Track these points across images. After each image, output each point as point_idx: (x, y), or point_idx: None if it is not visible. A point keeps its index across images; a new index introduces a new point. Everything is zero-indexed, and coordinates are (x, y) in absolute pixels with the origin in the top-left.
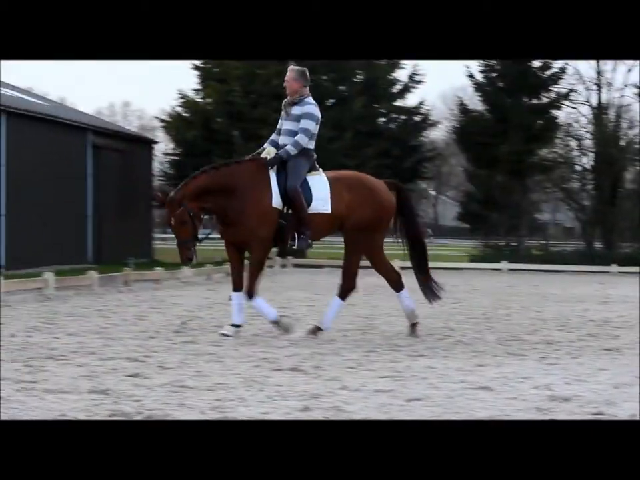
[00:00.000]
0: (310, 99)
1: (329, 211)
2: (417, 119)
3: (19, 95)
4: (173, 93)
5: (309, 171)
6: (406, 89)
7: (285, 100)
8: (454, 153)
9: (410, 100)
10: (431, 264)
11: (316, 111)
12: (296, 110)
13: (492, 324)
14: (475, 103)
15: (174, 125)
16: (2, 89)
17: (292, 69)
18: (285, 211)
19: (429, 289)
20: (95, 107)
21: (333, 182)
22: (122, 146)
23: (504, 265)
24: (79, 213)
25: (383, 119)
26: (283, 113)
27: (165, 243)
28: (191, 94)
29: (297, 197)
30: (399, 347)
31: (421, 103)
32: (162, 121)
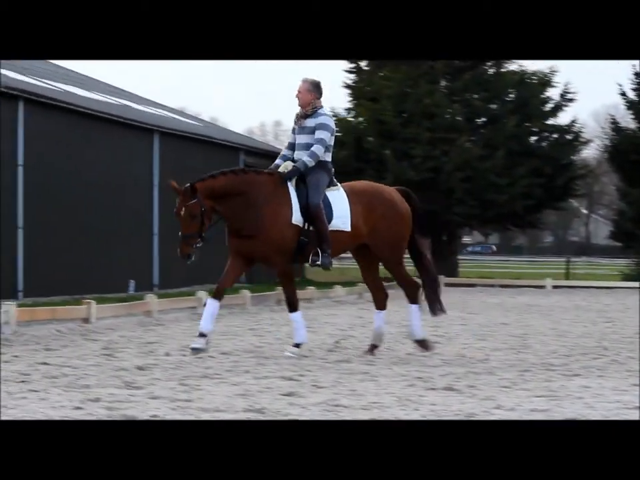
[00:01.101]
0: (324, 110)
1: (349, 229)
2: (568, 137)
3: (172, 115)
4: None
5: (328, 186)
6: (558, 107)
7: (297, 112)
8: (606, 171)
9: (562, 118)
10: (582, 283)
11: (330, 121)
12: (310, 122)
13: None
14: (628, 121)
15: None
16: (154, 109)
17: (305, 80)
18: (305, 227)
19: (431, 303)
20: (246, 126)
21: (351, 197)
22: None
23: None
24: None
25: (535, 138)
26: (294, 126)
27: None
28: (343, 113)
29: (319, 213)
30: (553, 366)
31: (573, 121)
32: None
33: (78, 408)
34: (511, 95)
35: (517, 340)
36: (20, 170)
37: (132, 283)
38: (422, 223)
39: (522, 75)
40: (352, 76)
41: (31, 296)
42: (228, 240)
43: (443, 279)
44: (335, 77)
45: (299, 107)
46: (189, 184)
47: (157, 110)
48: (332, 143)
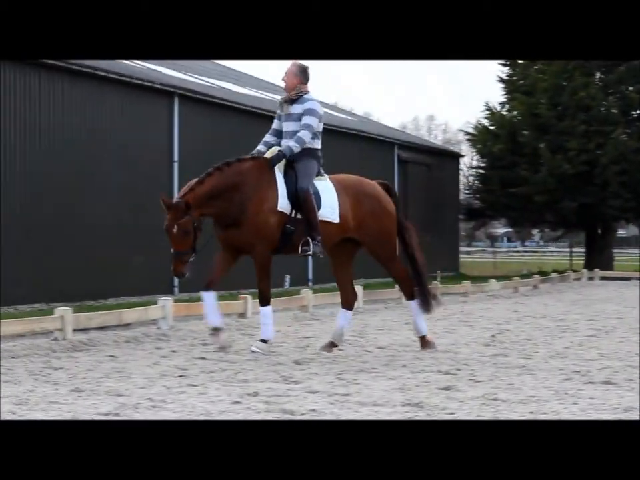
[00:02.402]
0: (310, 96)
1: (337, 221)
2: None
3: (325, 110)
4: (477, 105)
5: (316, 175)
6: None
7: (282, 97)
8: None
9: None
10: None
11: (318, 107)
12: (296, 108)
13: None
14: None
15: (480, 138)
16: None
17: (293, 64)
18: (292, 215)
19: (421, 299)
20: (399, 121)
21: (338, 189)
22: (428, 160)
23: None
24: None
25: None
26: (279, 112)
27: (470, 256)
28: (497, 107)
29: (308, 199)
30: None
31: None
32: (467, 134)
33: (236, 402)
34: None
35: None
36: (175, 166)
37: (287, 278)
38: (402, 216)
39: None
40: (506, 69)
41: (187, 291)
42: (217, 235)
43: (597, 273)
44: (489, 71)
45: (284, 91)
46: (179, 199)
47: None
48: (320, 130)
